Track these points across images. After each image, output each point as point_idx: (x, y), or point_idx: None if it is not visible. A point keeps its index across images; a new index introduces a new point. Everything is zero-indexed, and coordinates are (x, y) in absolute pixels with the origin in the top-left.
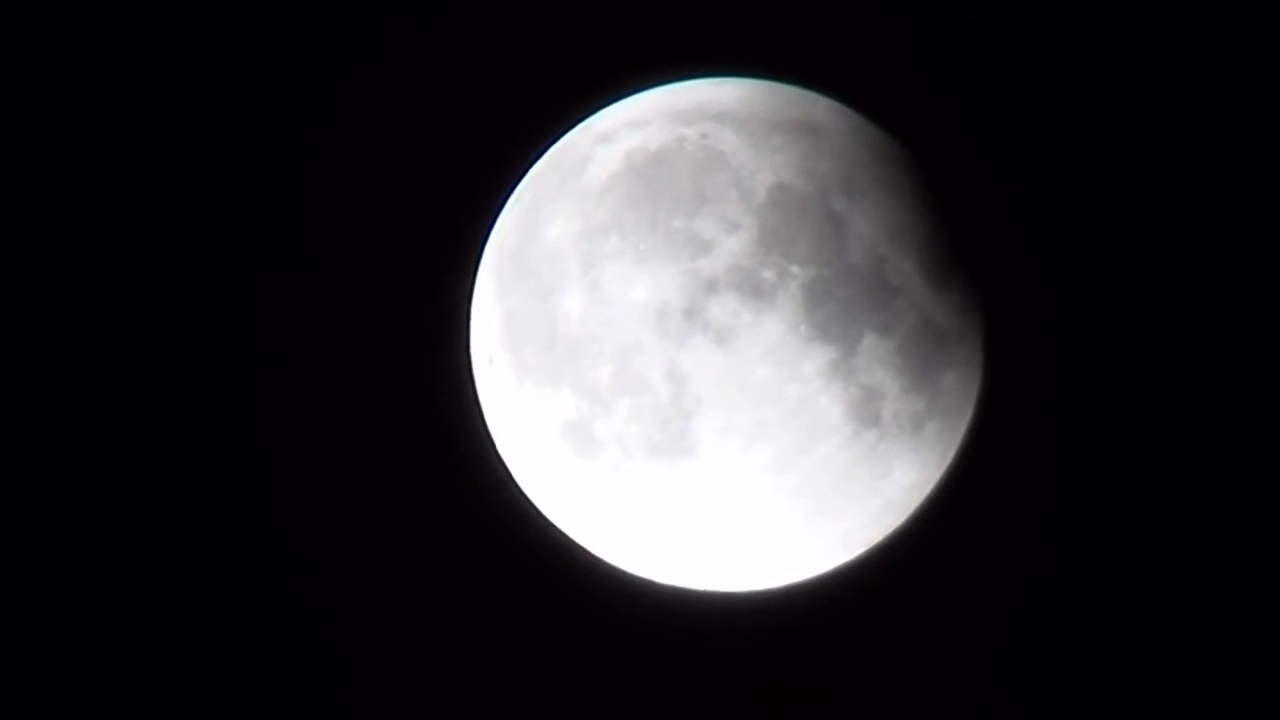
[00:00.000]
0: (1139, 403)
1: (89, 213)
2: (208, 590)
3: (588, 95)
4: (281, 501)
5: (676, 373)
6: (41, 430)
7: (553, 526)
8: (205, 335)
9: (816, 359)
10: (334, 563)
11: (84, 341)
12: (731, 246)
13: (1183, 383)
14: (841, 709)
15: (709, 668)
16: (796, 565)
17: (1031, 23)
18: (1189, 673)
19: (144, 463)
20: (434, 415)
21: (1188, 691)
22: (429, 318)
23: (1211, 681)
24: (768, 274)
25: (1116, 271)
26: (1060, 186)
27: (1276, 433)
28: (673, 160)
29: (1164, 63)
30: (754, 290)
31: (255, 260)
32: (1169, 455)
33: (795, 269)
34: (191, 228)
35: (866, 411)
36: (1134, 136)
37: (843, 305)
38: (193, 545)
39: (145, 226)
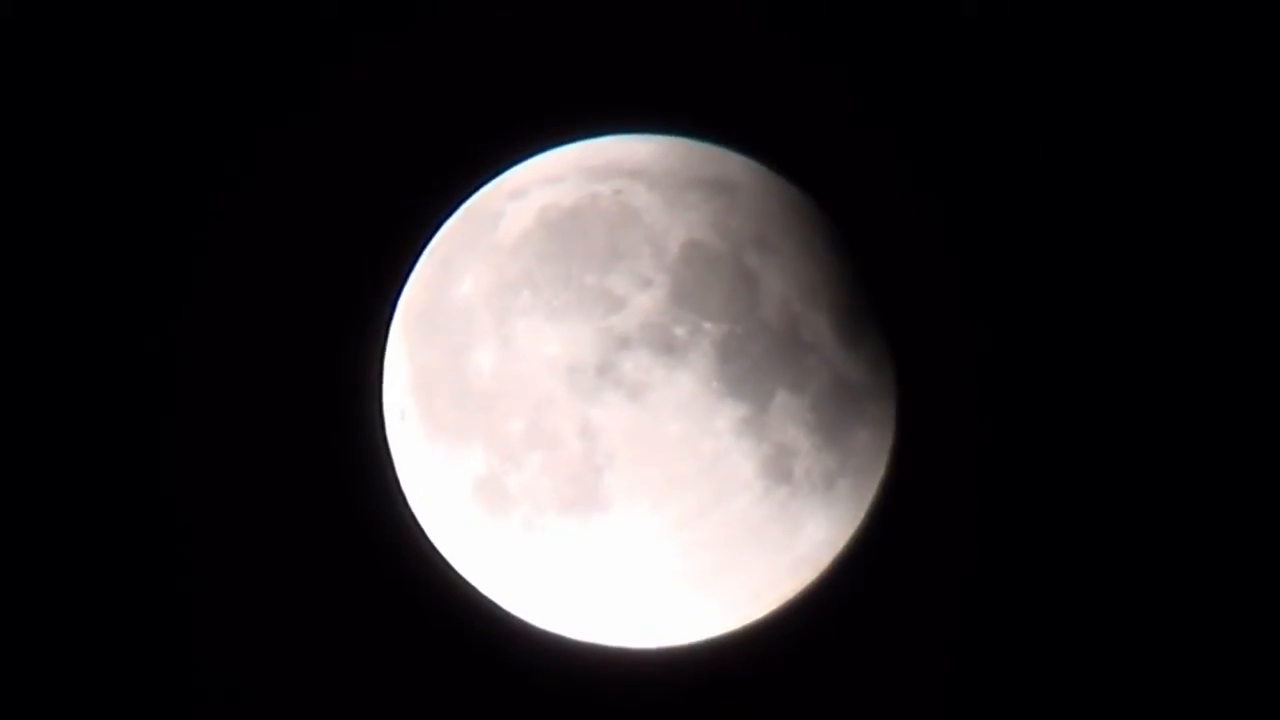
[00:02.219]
0: (1049, 461)
1: None
2: (108, 646)
3: (501, 152)
4: (189, 559)
5: (588, 428)
6: None
7: (465, 582)
8: (109, 392)
9: (729, 415)
10: (242, 621)
11: None
12: (644, 303)
13: (1092, 442)
14: None
15: None
16: (707, 622)
17: (940, 76)
18: None
19: (44, 517)
20: (347, 472)
21: None
22: (342, 374)
23: None
24: (680, 330)
25: (1029, 329)
26: (973, 244)
27: (1190, 478)
28: (586, 216)
29: (1070, 111)
30: (666, 347)
31: (165, 317)
32: (1080, 511)
33: (708, 325)
34: (101, 279)
35: (778, 468)
36: (1046, 193)
37: (755, 362)
38: (89, 606)
39: (49, 275)
